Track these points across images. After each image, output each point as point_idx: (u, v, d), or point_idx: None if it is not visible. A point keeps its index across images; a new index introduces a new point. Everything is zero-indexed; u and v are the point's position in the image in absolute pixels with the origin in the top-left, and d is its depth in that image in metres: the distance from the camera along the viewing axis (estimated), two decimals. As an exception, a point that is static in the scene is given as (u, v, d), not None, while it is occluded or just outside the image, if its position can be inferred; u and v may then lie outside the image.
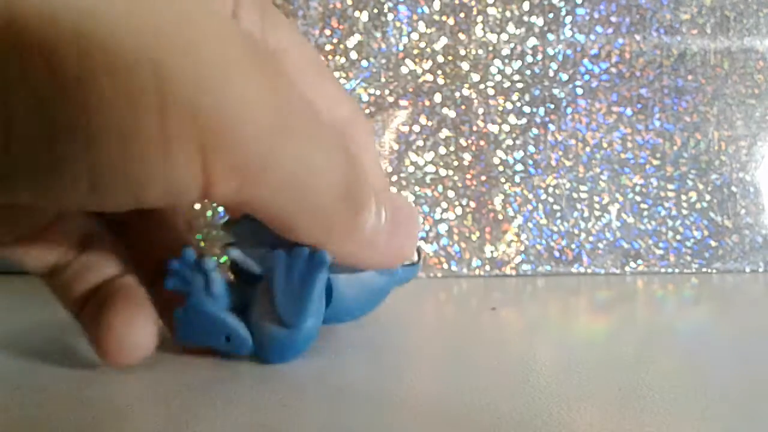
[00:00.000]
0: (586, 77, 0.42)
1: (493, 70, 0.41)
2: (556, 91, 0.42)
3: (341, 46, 0.40)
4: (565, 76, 0.42)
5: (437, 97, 0.41)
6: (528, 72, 0.41)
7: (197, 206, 0.40)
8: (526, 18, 0.41)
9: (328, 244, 0.19)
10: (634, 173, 0.42)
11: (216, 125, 0.14)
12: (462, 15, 0.41)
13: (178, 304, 0.21)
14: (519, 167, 0.41)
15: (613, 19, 0.42)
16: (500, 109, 0.41)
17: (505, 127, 0.41)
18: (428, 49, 0.41)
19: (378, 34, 0.41)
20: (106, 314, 0.19)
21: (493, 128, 0.41)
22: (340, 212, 0.18)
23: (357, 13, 0.41)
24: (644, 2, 0.42)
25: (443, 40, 0.41)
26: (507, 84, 0.41)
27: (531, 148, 0.41)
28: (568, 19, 0.42)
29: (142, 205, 0.16)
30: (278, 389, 0.20)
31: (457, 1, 0.41)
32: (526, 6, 0.41)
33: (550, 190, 0.41)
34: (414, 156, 0.41)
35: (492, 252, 0.41)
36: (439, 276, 0.41)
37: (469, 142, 0.41)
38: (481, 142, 0.41)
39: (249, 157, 0.15)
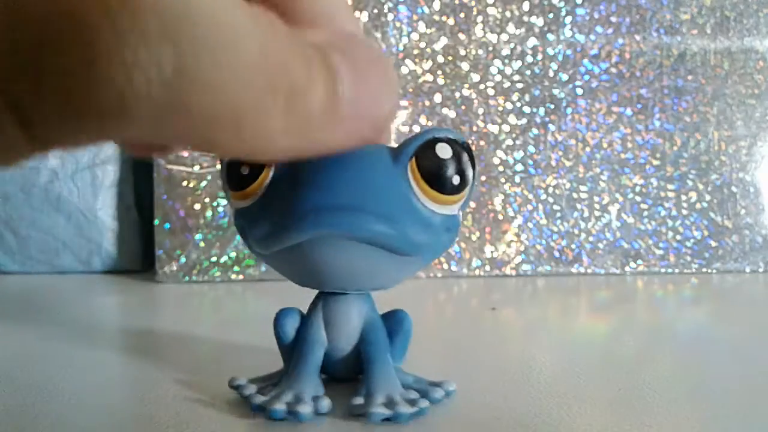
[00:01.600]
0: (586, 77, 0.42)
1: (493, 70, 0.41)
2: (556, 91, 0.42)
3: (341, 46, 0.40)
4: (565, 76, 0.42)
5: (437, 97, 0.41)
6: (528, 72, 0.41)
7: (197, 206, 0.40)
8: (526, 18, 0.41)
9: (252, 140, 0.12)
10: (634, 173, 0.42)
11: None
12: (462, 15, 0.41)
13: None
14: (519, 167, 0.41)
15: (613, 19, 0.42)
16: (500, 109, 0.41)
17: (505, 127, 0.41)
18: (428, 49, 0.41)
19: (378, 34, 0.41)
20: None
21: (493, 128, 0.41)
22: (258, 94, 0.12)
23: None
24: (644, 2, 0.42)
25: (443, 40, 0.41)
26: (507, 84, 0.41)
27: (531, 148, 0.41)
28: (568, 19, 0.42)
29: None
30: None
31: (457, 1, 0.41)
32: (526, 6, 0.41)
33: (550, 190, 0.41)
34: (414, 156, 0.41)
35: (492, 252, 0.41)
36: (439, 276, 0.41)
37: (469, 142, 0.41)
38: (481, 142, 0.41)
39: None
